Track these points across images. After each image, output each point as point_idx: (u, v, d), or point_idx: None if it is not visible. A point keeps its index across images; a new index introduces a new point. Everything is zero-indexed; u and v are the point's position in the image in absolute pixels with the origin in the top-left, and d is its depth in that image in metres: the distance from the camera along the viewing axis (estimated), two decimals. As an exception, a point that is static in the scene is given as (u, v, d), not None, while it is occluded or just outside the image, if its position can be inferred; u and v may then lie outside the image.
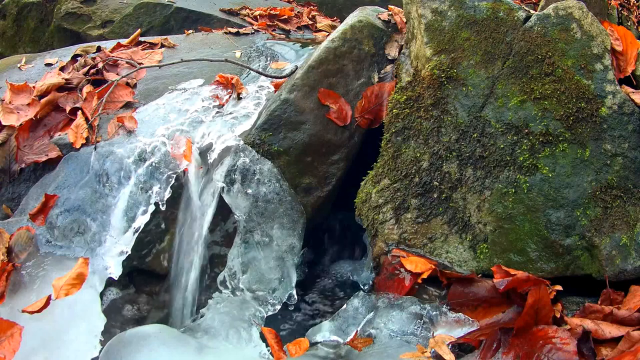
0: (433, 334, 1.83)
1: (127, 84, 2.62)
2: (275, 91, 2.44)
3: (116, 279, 2.08)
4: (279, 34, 3.41)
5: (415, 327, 1.85)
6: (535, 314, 1.63)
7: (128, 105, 2.51)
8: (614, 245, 1.87)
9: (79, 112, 2.45)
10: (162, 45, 3.03)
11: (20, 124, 2.41)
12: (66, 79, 2.62)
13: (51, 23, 4.34)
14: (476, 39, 2.11)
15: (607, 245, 1.87)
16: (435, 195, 2.08)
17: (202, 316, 2.07)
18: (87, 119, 2.41)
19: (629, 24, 4.39)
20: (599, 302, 1.80)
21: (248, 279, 2.10)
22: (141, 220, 2.15)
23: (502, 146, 2.01)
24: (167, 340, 1.87)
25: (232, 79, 2.52)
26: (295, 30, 3.66)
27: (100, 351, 1.85)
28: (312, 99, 2.25)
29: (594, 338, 1.60)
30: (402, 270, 2.03)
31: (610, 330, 1.63)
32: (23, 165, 2.36)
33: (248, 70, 2.62)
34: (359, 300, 2.00)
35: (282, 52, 2.87)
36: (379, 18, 2.50)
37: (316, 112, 2.25)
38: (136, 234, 2.13)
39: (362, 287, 2.19)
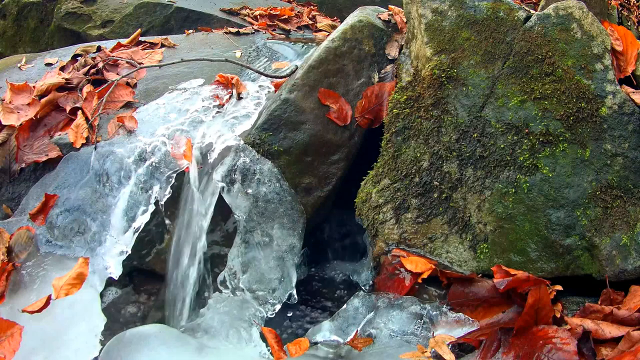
0: (433, 333, 1.83)
1: (127, 83, 2.62)
2: (275, 91, 2.44)
3: (116, 278, 2.08)
4: (279, 33, 3.41)
5: (416, 327, 1.85)
6: (535, 314, 1.63)
7: (128, 105, 2.51)
8: (614, 245, 1.87)
9: (79, 112, 2.45)
10: (162, 45, 3.03)
11: (21, 124, 2.41)
12: (66, 79, 2.62)
13: (51, 23, 4.34)
14: (476, 39, 2.11)
15: (607, 245, 1.87)
16: (435, 195, 2.08)
17: (202, 316, 2.07)
18: (87, 119, 2.41)
19: (629, 24, 4.39)
20: (599, 302, 1.80)
21: (248, 279, 2.10)
22: (141, 220, 2.15)
23: (502, 146, 2.01)
24: (167, 340, 1.87)
25: (232, 78, 2.52)
26: (296, 30, 3.66)
27: (101, 351, 1.85)
28: (312, 98, 2.25)
29: (594, 338, 1.60)
30: (402, 270, 2.03)
31: (610, 330, 1.63)
32: (23, 165, 2.36)
33: (248, 70, 2.62)
34: (359, 300, 2.00)
35: (282, 52, 2.87)
36: (379, 18, 2.50)
37: (316, 112, 2.25)
38: (136, 234, 2.13)
39: (362, 287, 2.19)
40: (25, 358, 1.80)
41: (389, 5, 2.63)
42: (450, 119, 2.08)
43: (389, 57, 2.42)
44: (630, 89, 2.02)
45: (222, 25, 3.69)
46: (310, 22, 3.85)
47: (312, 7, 4.53)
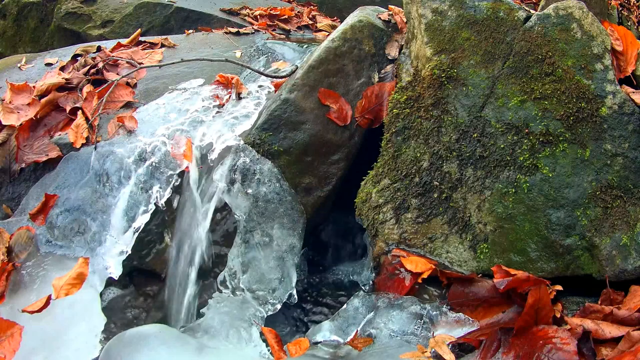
0: (433, 333, 1.83)
1: (127, 83, 2.62)
2: (275, 91, 2.44)
3: (116, 278, 2.08)
4: (279, 33, 3.41)
5: (416, 327, 1.85)
6: (535, 314, 1.63)
7: (128, 105, 2.51)
8: (614, 245, 1.87)
9: (79, 112, 2.45)
10: (163, 45, 3.03)
11: (21, 124, 2.41)
12: (66, 79, 2.62)
13: (51, 23, 4.34)
14: (476, 38, 2.11)
15: (607, 245, 1.87)
16: (435, 195, 2.08)
17: (202, 316, 2.08)
18: (87, 119, 2.41)
19: (629, 24, 4.39)
20: (599, 302, 1.80)
21: (248, 279, 2.10)
22: (141, 220, 2.15)
23: (502, 146, 2.01)
24: (167, 340, 1.87)
25: (232, 78, 2.52)
26: (296, 30, 3.66)
27: (101, 351, 1.85)
28: (312, 98, 2.25)
29: (594, 338, 1.60)
30: (402, 270, 2.03)
31: (610, 330, 1.63)
32: (23, 165, 2.36)
33: (248, 70, 2.62)
34: (359, 300, 2.00)
35: (282, 52, 2.87)
36: (379, 18, 2.50)
37: (316, 112, 2.25)
38: (136, 234, 2.13)
39: (362, 287, 2.19)
40: (25, 358, 1.80)
41: (389, 5, 2.63)
42: (450, 119, 2.08)
43: (389, 57, 2.42)
44: (630, 89, 2.02)
45: (222, 25, 3.69)
46: (310, 22, 3.85)
47: (312, 7, 4.53)
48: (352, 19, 2.44)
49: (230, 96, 2.47)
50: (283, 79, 2.45)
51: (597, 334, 1.62)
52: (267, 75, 2.52)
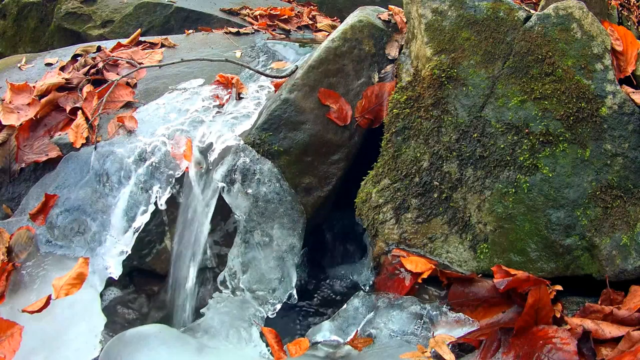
0: (433, 333, 1.83)
1: (127, 83, 2.62)
2: (275, 91, 2.44)
3: (116, 278, 2.08)
4: (279, 33, 3.41)
5: (416, 327, 1.85)
6: (535, 314, 1.63)
7: (128, 105, 2.51)
8: (614, 245, 1.87)
9: (79, 112, 2.45)
10: (163, 45, 3.03)
11: (21, 124, 2.41)
12: (66, 79, 2.62)
13: (51, 23, 4.35)
14: (476, 39, 2.11)
15: (607, 245, 1.87)
16: (435, 195, 2.08)
17: (202, 316, 2.08)
18: (87, 119, 2.41)
19: (629, 24, 4.39)
20: (599, 302, 1.80)
21: (248, 279, 2.10)
22: (141, 220, 2.15)
23: (502, 146, 2.01)
24: (167, 340, 1.87)
25: (232, 78, 2.52)
26: (296, 30, 3.66)
27: (101, 351, 1.85)
28: (312, 98, 2.25)
29: (594, 338, 1.60)
30: (402, 270, 2.03)
31: (610, 330, 1.63)
32: (23, 165, 2.36)
33: (248, 70, 2.62)
34: (359, 300, 2.00)
35: (282, 52, 2.87)
36: (379, 18, 2.50)
37: (316, 112, 2.25)
38: (136, 234, 2.13)
39: (362, 287, 2.19)
40: (25, 358, 1.80)
41: (389, 5, 2.63)
42: (450, 119, 2.08)
43: (389, 57, 2.42)
44: (630, 89, 2.02)
45: (222, 25, 3.69)
46: (310, 22, 3.85)
47: (312, 7, 4.53)
48: (352, 19, 2.44)
49: (230, 96, 2.47)
50: (283, 79, 2.45)
51: (597, 334, 1.62)
52: (267, 75, 2.52)
